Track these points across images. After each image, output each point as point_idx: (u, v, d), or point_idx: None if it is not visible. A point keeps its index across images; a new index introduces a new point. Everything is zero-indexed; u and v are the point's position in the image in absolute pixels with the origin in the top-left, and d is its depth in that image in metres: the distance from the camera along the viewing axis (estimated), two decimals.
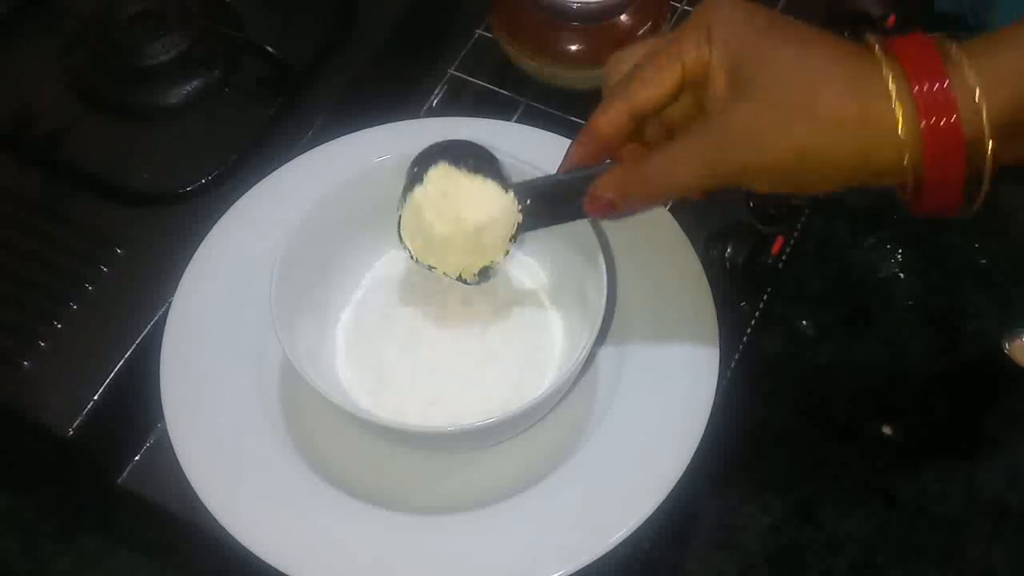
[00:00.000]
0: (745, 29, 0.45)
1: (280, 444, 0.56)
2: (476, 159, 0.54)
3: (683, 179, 0.46)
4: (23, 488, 0.65)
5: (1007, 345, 0.66)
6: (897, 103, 0.42)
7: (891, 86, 0.42)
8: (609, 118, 0.48)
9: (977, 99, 0.41)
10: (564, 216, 0.53)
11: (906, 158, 0.42)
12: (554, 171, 0.52)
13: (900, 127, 0.42)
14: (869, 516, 0.62)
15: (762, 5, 0.46)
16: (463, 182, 0.54)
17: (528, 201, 0.53)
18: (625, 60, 0.49)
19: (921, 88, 0.42)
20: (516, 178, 0.55)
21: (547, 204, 0.53)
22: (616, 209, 0.49)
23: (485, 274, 0.55)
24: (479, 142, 0.55)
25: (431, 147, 0.55)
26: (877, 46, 0.44)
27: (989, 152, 0.42)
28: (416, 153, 0.55)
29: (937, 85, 0.42)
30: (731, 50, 0.45)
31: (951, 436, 0.65)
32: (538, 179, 0.53)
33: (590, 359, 0.58)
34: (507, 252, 0.54)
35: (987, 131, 0.42)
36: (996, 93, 0.42)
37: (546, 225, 0.54)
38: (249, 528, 0.52)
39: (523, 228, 0.53)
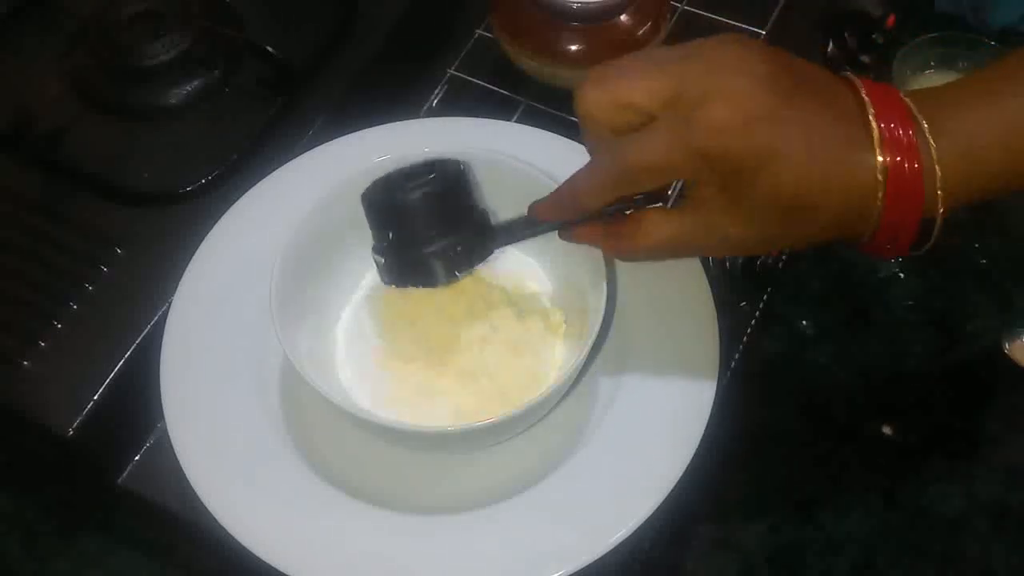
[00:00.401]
0: (743, 140, 0.42)
1: (280, 444, 0.56)
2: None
3: (657, 257, 0.49)
4: (23, 488, 0.65)
5: (1007, 345, 0.66)
6: (877, 148, 0.42)
7: (873, 126, 0.42)
8: (599, 199, 0.47)
9: (936, 158, 0.42)
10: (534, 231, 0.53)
11: (878, 197, 0.43)
12: (552, 171, 0.52)
13: (878, 169, 0.42)
14: (869, 516, 0.62)
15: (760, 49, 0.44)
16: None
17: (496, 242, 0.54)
18: (607, 92, 0.45)
19: (888, 127, 0.42)
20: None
21: (512, 228, 0.54)
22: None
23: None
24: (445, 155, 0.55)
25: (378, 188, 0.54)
26: (862, 89, 0.44)
27: (940, 211, 0.43)
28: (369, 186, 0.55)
29: (902, 129, 0.42)
30: (726, 167, 0.43)
31: (951, 436, 0.65)
32: (512, 223, 0.54)
33: (590, 359, 0.58)
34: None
35: (940, 195, 0.43)
36: (953, 162, 0.42)
37: (516, 241, 0.54)
38: (249, 528, 0.52)
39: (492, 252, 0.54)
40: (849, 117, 0.43)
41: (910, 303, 0.70)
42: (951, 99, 0.44)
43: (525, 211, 0.52)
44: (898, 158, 0.42)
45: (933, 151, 0.42)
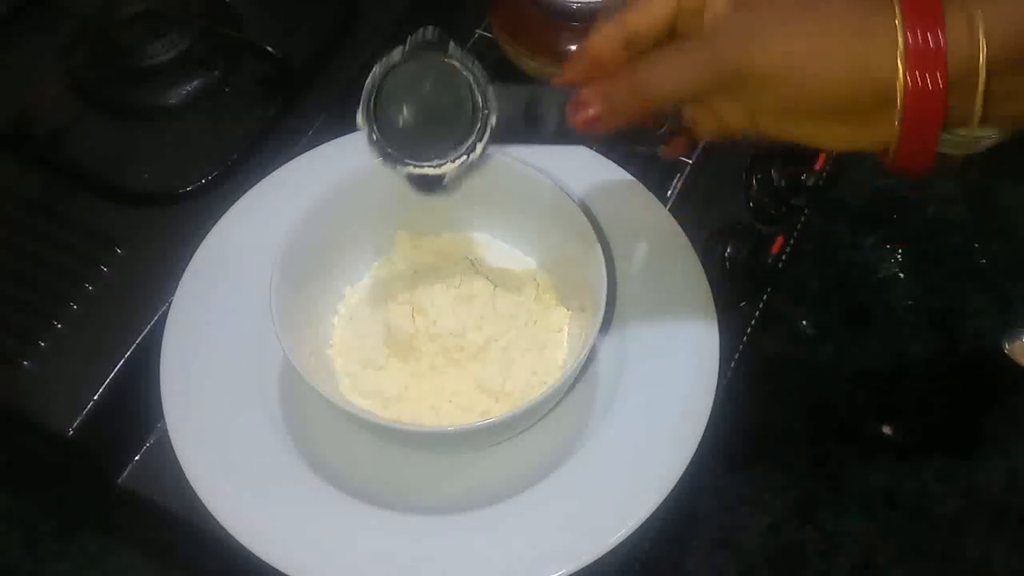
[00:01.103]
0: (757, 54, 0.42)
1: (280, 444, 0.56)
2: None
3: (674, 82, 0.43)
4: (23, 488, 0.65)
5: (1007, 345, 0.66)
6: (898, 22, 0.40)
7: (896, 8, 0.40)
8: (601, 39, 0.46)
9: (979, 34, 0.40)
10: (544, 133, 0.48)
11: (900, 78, 0.40)
12: (552, 171, 0.52)
13: (899, 44, 0.40)
14: (869, 516, 0.62)
15: None
16: None
17: (505, 109, 0.48)
18: None
19: (913, 25, 0.40)
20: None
21: (526, 110, 0.48)
22: (600, 122, 0.45)
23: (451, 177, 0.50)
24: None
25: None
26: None
27: (980, 88, 0.40)
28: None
29: (929, 27, 0.40)
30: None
31: (951, 436, 0.65)
32: (519, 86, 0.48)
33: (590, 359, 0.58)
34: (478, 149, 0.49)
35: (982, 69, 0.40)
36: (997, 30, 0.40)
37: (524, 140, 0.48)
38: (249, 528, 0.52)
39: (496, 137, 0.48)
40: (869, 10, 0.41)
41: (910, 303, 0.70)
42: None
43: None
44: (918, 67, 0.40)
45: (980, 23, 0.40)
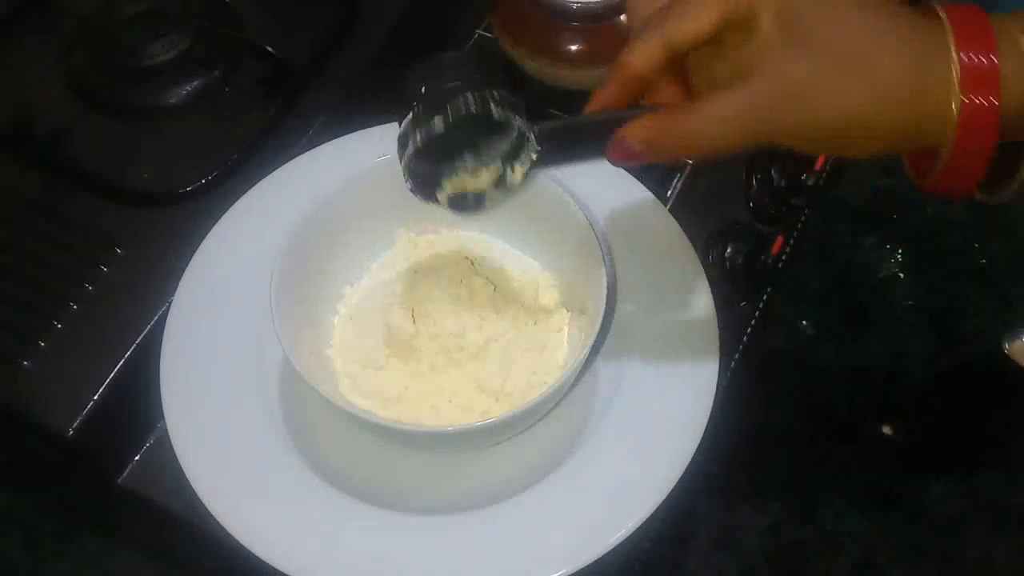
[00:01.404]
0: None
1: (280, 444, 0.56)
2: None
3: (725, 140, 0.43)
4: (23, 488, 0.65)
5: (1007, 345, 0.66)
6: (953, 71, 0.40)
7: (952, 55, 0.40)
8: (643, 53, 0.44)
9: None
10: (584, 156, 0.48)
11: (948, 130, 0.41)
12: (556, 176, 0.52)
13: (952, 97, 0.40)
14: (869, 516, 0.62)
15: None
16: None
17: (544, 144, 0.48)
18: None
19: (966, 56, 0.40)
20: None
21: (567, 143, 0.48)
22: (642, 159, 0.45)
23: (490, 196, 0.50)
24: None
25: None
26: (941, 11, 0.42)
27: None
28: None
29: (984, 57, 0.40)
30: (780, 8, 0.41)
31: (951, 436, 0.65)
32: (560, 121, 0.48)
33: (590, 359, 0.58)
34: (517, 172, 0.49)
35: None
36: None
37: (563, 163, 0.49)
38: (249, 528, 0.52)
39: (540, 163, 0.49)
40: (923, 31, 0.42)
41: (910, 303, 0.70)
42: None
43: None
44: (972, 92, 0.40)
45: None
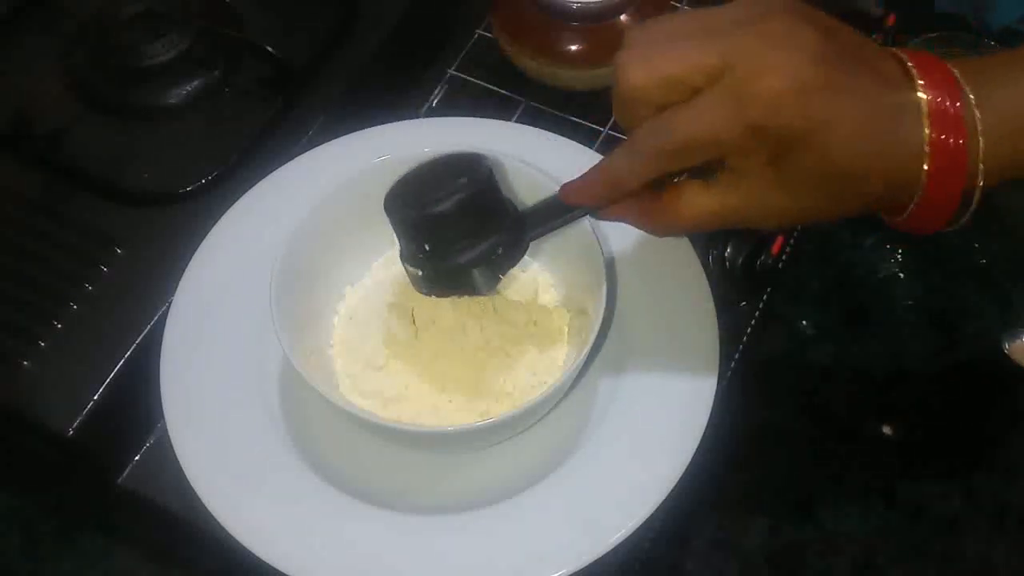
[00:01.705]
0: (797, 112, 0.41)
1: (280, 444, 0.56)
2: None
3: (697, 229, 0.47)
4: (23, 488, 0.65)
5: (1007, 345, 0.66)
6: (925, 120, 0.42)
7: (920, 97, 0.42)
8: (635, 175, 0.46)
9: (981, 131, 0.42)
10: (567, 218, 0.51)
11: (923, 169, 0.42)
12: (553, 171, 0.52)
13: (922, 135, 0.42)
14: (869, 516, 0.62)
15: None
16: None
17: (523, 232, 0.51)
18: (652, 69, 0.44)
19: (935, 99, 0.42)
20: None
21: (544, 217, 0.51)
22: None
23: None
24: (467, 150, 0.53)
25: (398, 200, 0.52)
26: (907, 60, 0.43)
27: (980, 183, 0.43)
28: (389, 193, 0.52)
29: (950, 101, 0.42)
30: (777, 140, 0.42)
31: (951, 436, 0.65)
32: (553, 215, 0.51)
33: (590, 359, 0.58)
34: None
35: (981, 165, 0.42)
36: (994, 128, 0.42)
37: (549, 231, 0.51)
38: (249, 528, 0.52)
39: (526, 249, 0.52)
40: (896, 86, 0.42)
41: (910, 303, 0.70)
42: (1000, 71, 0.43)
43: (546, 198, 0.51)
44: (943, 132, 0.42)
45: (979, 123, 0.42)
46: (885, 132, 0.42)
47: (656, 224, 0.48)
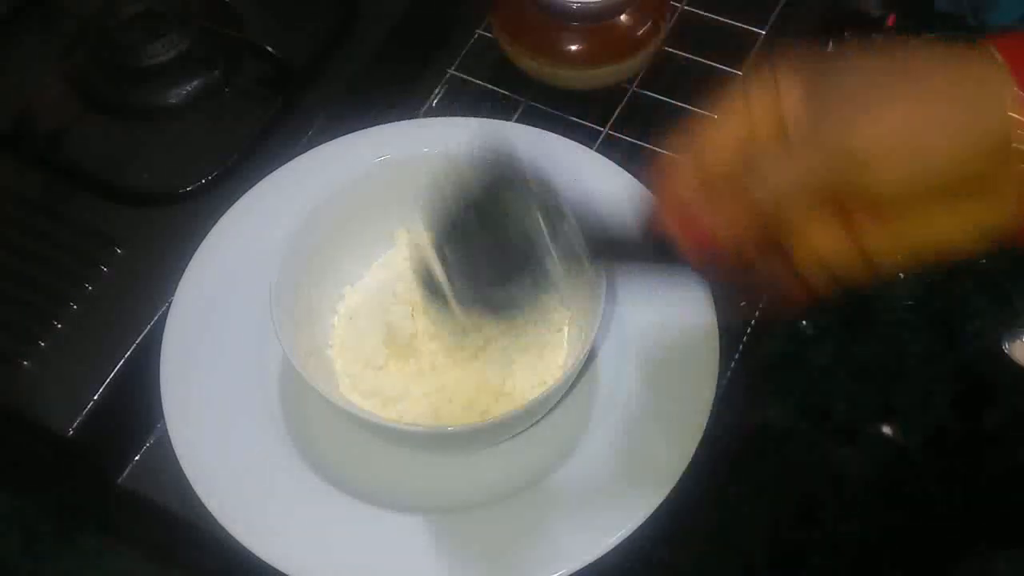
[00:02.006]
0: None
1: (280, 444, 0.56)
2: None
3: (783, 185, 0.40)
4: (23, 488, 0.65)
5: (1007, 345, 0.66)
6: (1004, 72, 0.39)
7: (999, 60, 0.39)
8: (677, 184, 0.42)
9: None
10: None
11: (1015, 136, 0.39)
12: (553, 171, 0.51)
13: (1010, 92, 0.39)
14: (869, 516, 0.62)
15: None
16: None
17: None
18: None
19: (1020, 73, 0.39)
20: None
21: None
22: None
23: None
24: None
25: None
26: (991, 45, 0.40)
27: None
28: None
29: None
30: (805, 80, 0.40)
31: (951, 436, 0.65)
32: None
33: (590, 359, 0.58)
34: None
35: None
36: None
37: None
38: (249, 528, 0.52)
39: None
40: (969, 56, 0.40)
41: (910, 303, 0.70)
42: None
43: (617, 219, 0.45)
44: None
45: None
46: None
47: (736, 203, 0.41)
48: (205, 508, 0.53)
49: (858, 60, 0.41)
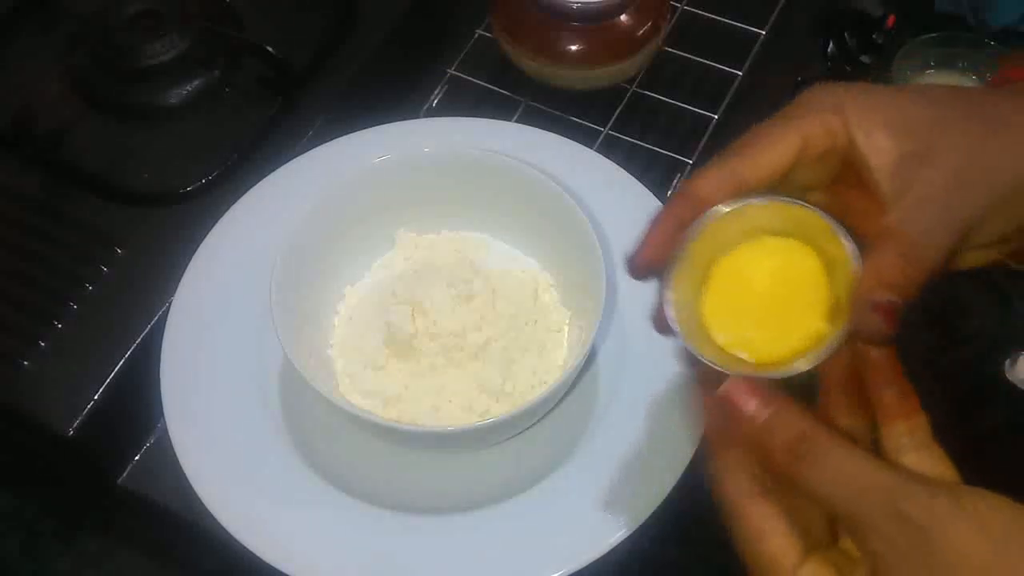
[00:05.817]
0: (891, 98, 0.41)
1: (280, 444, 0.56)
2: None
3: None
4: (23, 488, 0.65)
5: (1008, 366, 0.65)
6: None
7: None
8: (710, 185, 0.41)
9: None
10: None
11: None
12: (553, 171, 0.51)
13: None
14: None
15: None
16: None
17: None
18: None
19: None
20: None
21: None
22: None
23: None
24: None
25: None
26: None
27: None
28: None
29: None
30: (888, 120, 0.41)
31: (951, 436, 0.65)
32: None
33: (590, 359, 0.58)
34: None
35: None
36: None
37: None
38: (249, 528, 0.52)
39: None
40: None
41: (910, 303, 0.70)
42: None
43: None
44: None
45: None
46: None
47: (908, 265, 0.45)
48: (205, 508, 0.53)
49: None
